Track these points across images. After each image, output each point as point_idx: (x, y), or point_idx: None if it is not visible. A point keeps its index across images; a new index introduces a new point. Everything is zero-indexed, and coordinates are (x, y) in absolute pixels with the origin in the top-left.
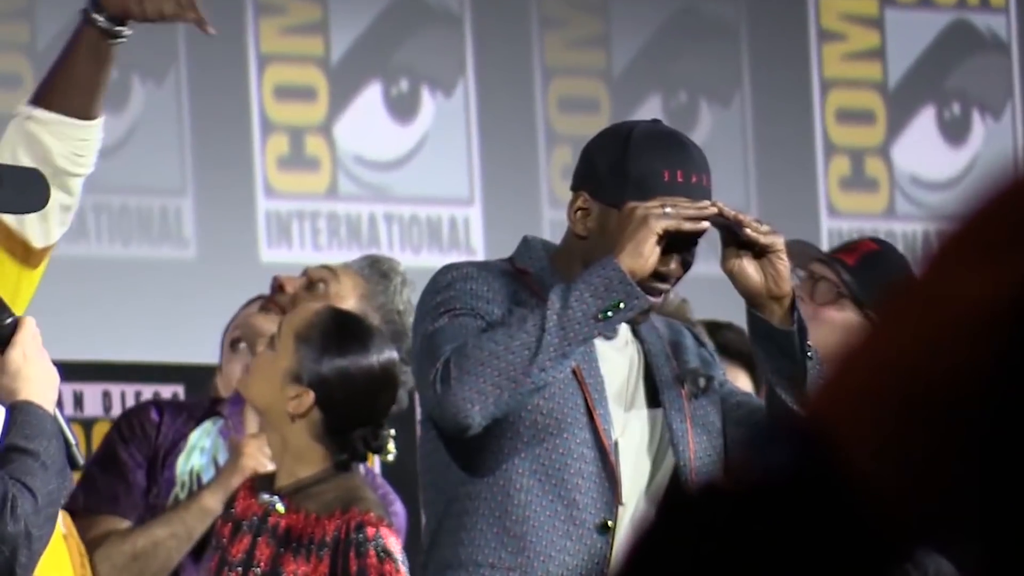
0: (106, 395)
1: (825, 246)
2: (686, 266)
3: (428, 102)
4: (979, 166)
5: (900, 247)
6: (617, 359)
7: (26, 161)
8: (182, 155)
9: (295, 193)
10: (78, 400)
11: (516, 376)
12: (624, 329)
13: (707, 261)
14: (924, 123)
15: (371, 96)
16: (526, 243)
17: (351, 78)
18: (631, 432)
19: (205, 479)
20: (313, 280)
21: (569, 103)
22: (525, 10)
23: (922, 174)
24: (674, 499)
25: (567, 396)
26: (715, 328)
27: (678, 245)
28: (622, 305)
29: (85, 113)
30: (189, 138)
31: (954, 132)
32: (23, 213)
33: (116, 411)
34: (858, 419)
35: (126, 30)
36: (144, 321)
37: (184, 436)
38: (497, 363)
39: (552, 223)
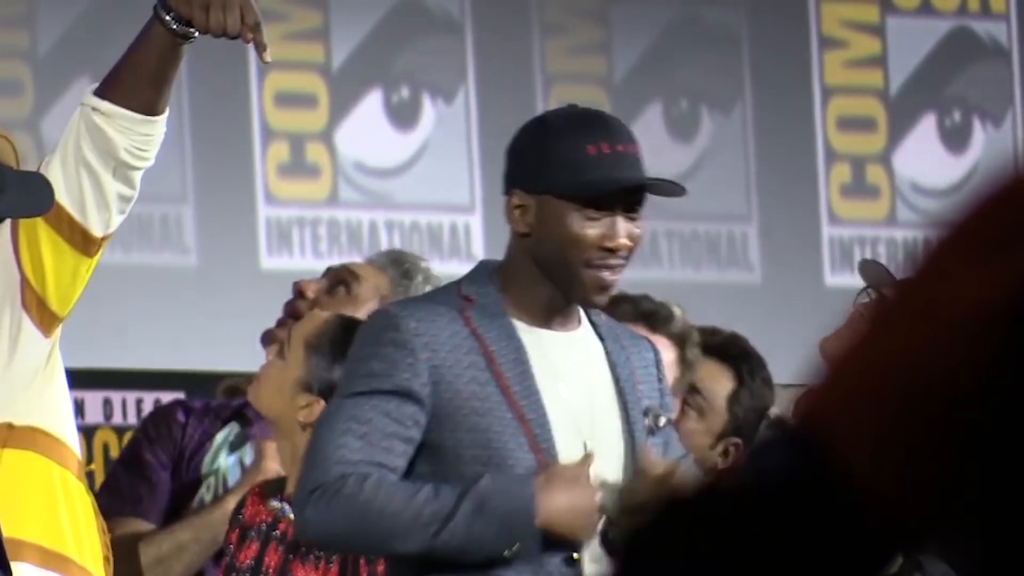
0: (107, 402)
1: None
2: (633, 238)
3: (429, 109)
4: (980, 173)
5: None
6: (580, 379)
7: (89, 150)
8: (183, 162)
9: (296, 200)
10: (79, 407)
11: (387, 544)
12: (595, 348)
13: (694, 268)
14: (925, 130)
15: (372, 103)
16: (480, 267)
17: (352, 85)
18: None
19: (231, 480)
20: (334, 283)
21: None
22: (526, 17)
23: (923, 181)
24: (671, 500)
25: (508, 435)
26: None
27: (619, 207)
28: (517, 547)
29: (150, 109)
30: (190, 145)
31: (955, 139)
32: (27, 217)
33: (117, 418)
34: (857, 420)
35: (194, 31)
36: (145, 328)
37: (210, 437)
38: (375, 528)
39: None
